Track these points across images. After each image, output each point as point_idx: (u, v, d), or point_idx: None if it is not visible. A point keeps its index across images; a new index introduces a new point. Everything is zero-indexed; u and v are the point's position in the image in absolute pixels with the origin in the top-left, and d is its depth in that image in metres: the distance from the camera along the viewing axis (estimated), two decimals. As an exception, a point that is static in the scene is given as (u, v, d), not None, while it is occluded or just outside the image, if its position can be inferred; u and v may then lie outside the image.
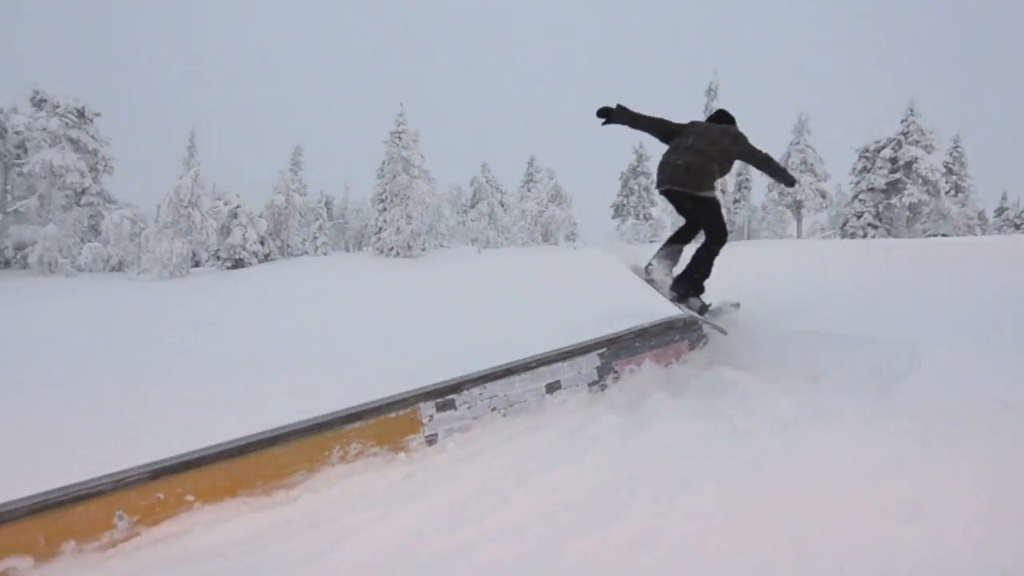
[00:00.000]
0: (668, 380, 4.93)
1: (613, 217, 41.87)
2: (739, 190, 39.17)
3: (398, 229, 33.34)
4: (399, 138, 34.17)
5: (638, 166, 41.11)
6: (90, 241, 32.62)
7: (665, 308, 5.79)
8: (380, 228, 34.11)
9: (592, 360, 4.99)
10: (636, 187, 41.10)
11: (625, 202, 41.54)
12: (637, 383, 4.91)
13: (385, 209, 34.12)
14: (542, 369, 4.73)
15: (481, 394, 4.47)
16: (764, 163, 5.21)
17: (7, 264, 34.59)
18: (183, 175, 30.98)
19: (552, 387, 4.76)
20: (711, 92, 34.90)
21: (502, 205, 46.81)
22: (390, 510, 3.34)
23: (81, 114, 33.20)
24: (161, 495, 3.47)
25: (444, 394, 4.33)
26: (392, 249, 33.29)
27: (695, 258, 5.29)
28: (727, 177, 34.90)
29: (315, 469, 3.87)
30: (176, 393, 6.02)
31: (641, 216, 40.55)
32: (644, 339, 5.27)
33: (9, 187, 33.04)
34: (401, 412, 4.18)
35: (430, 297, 14.85)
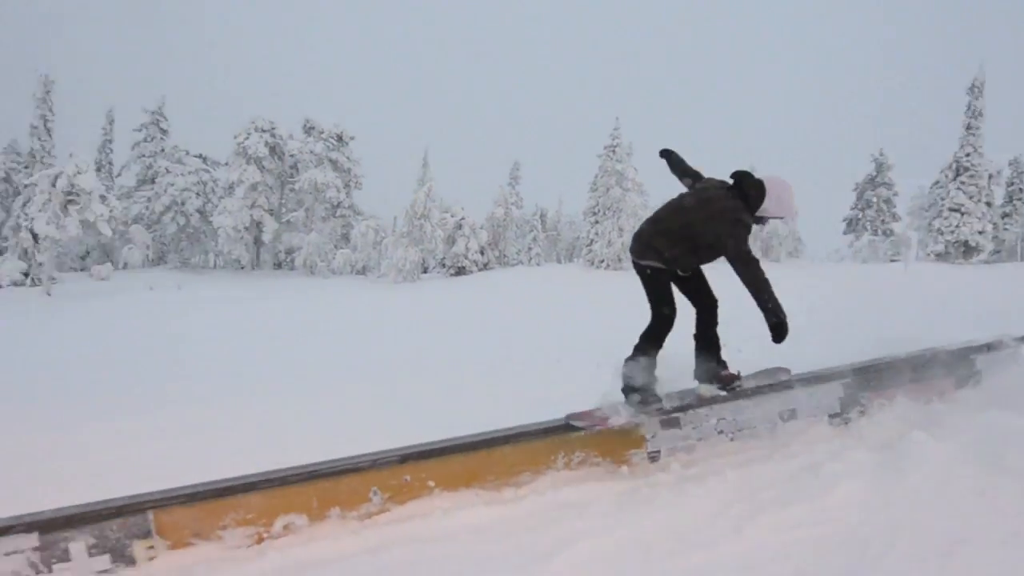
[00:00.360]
0: (929, 419, 4.30)
1: (845, 232, 37.94)
2: (1010, 202, 33.21)
3: (609, 242, 33.52)
4: (613, 151, 34.39)
5: (876, 176, 36.83)
6: (341, 248, 37.50)
7: (923, 337, 5.07)
8: (591, 240, 34.56)
9: (834, 390, 4.54)
10: (874, 199, 36.82)
11: (860, 216, 37.41)
12: (889, 419, 4.36)
13: (597, 222, 34.52)
14: (776, 395, 4.41)
15: (708, 415, 4.29)
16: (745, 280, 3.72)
17: (279, 266, 41.09)
18: (417, 190, 34.30)
19: (787, 415, 4.42)
20: (975, 90, 30.11)
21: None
22: (616, 522, 3.33)
23: (340, 138, 38.39)
24: (408, 477, 3.84)
25: (669, 412, 4.23)
26: (603, 261, 33.53)
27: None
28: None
29: (541, 472, 4.00)
30: (426, 384, 6.65)
31: (879, 232, 36.21)
32: (897, 371, 4.67)
33: (284, 201, 39.25)
34: (624, 425, 4.15)
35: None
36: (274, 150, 36.84)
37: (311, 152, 37.21)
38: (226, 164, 37.83)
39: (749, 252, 3.72)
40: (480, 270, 34.67)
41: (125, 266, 35.77)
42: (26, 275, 29.72)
